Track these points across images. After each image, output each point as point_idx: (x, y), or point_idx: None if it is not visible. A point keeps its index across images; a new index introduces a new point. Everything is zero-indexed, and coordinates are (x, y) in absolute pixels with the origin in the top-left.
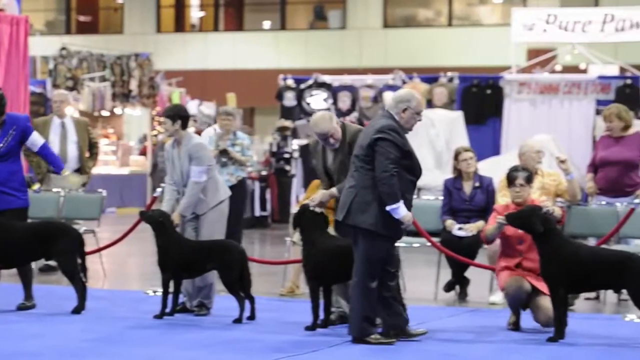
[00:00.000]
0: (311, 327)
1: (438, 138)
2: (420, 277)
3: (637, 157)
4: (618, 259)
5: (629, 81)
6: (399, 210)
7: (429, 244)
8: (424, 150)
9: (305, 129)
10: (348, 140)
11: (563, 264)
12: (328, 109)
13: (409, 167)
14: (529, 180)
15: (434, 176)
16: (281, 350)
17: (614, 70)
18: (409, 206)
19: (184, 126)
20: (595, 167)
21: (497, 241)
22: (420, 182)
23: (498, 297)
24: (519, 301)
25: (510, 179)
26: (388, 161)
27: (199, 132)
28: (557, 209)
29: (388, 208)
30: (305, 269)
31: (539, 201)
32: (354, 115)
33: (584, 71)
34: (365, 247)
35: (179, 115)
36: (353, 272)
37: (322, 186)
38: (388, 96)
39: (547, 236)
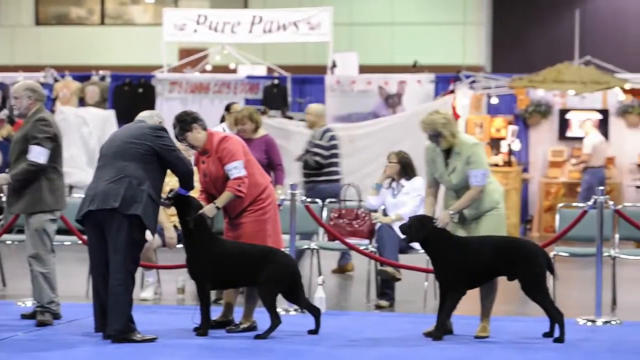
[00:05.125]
0: None
1: (90, 136)
2: (75, 275)
3: (264, 159)
4: (259, 254)
5: (276, 81)
6: None
7: (80, 241)
8: (76, 149)
9: None
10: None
11: (210, 260)
12: None
13: None
14: (183, 129)
15: (86, 174)
16: None
17: (262, 71)
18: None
19: None
20: None
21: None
22: (71, 180)
23: (149, 293)
24: None
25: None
26: (182, 155)
27: None
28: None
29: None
30: None
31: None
32: (4, 112)
33: (234, 71)
34: (131, 238)
35: None
36: (111, 267)
37: None
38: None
39: (195, 233)
